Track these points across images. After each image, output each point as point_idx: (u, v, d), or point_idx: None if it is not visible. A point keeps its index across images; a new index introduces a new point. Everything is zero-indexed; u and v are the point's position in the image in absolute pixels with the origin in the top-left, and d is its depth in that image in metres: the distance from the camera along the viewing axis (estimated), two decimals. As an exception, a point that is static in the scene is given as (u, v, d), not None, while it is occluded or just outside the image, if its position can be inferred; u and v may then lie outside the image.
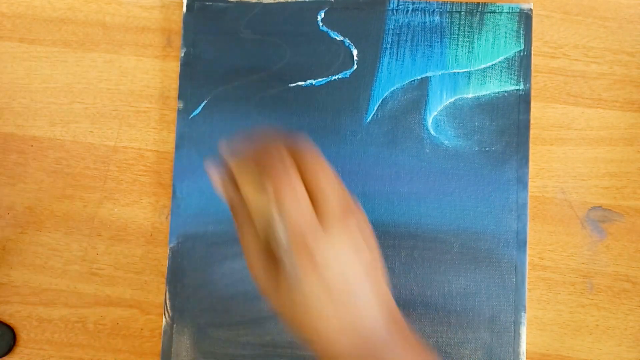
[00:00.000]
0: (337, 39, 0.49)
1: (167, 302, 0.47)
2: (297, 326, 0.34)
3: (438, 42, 0.49)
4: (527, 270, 0.47)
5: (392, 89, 0.48)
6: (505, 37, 0.48)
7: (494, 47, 0.48)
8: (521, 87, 0.48)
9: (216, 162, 0.37)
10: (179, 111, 0.49)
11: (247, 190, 0.34)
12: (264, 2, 0.49)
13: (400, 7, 0.49)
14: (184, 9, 0.49)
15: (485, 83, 0.48)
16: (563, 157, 0.49)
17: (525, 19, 0.48)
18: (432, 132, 0.48)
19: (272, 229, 0.33)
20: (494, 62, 0.48)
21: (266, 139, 0.36)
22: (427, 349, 0.34)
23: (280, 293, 0.33)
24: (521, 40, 0.48)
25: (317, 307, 0.32)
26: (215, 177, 0.37)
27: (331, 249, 0.32)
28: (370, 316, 0.33)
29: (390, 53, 0.49)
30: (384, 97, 0.48)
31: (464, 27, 0.49)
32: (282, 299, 0.33)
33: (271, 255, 0.34)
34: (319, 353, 0.33)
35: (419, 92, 0.48)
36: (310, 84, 0.49)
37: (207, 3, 0.49)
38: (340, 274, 0.33)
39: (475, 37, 0.49)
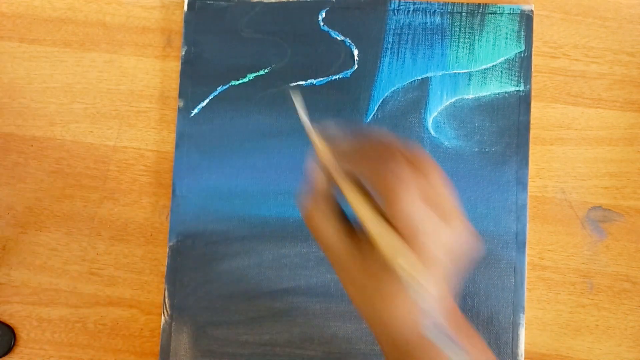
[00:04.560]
0: (338, 38, 0.49)
1: (166, 300, 0.47)
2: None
3: (439, 42, 0.49)
4: (526, 272, 0.47)
5: (393, 89, 0.48)
6: (506, 38, 0.48)
7: (495, 48, 0.48)
8: (521, 88, 0.48)
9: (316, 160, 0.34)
10: (179, 110, 0.49)
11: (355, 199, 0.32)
12: (265, 1, 0.49)
13: (402, 7, 0.49)
14: (185, 7, 0.49)
15: (485, 84, 0.48)
16: (563, 157, 0.49)
17: (526, 20, 0.48)
18: (432, 133, 0.48)
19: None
20: (494, 63, 0.48)
21: (382, 144, 0.33)
22: (486, 347, 0.34)
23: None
24: (522, 42, 0.48)
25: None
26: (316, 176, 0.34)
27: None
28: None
29: (391, 53, 0.49)
30: (384, 97, 0.48)
31: (465, 28, 0.49)
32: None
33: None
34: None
35: (420, 93, 0.48)
36: (310, 83, 0.49)
37: (209, 2, 0.49)
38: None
39: (476, 38, 0.48)
